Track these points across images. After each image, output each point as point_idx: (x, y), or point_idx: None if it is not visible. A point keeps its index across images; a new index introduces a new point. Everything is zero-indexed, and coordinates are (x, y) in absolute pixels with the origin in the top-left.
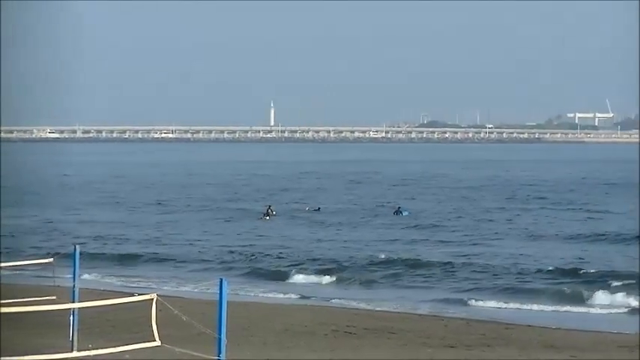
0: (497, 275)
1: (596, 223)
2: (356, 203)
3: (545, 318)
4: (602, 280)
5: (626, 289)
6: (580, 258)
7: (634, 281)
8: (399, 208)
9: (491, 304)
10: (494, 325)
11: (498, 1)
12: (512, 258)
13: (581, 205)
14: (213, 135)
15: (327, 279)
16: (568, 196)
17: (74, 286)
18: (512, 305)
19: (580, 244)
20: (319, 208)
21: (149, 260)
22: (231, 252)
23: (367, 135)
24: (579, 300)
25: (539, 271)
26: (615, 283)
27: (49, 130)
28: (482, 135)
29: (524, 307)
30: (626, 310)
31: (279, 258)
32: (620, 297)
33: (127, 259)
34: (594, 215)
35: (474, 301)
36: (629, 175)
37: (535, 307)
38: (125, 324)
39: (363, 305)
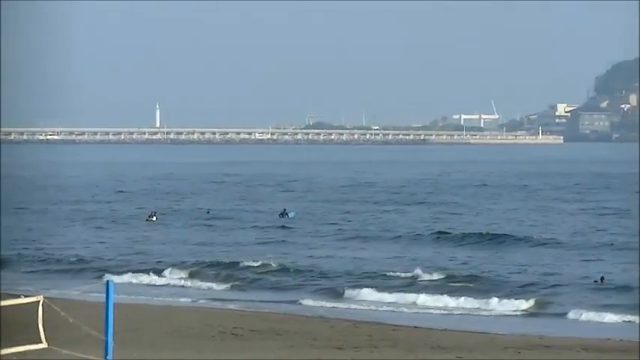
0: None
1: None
2: (244, 205)
3: (432, 319)
4: (489, 283)
5: (512, 293)
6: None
7: (519, 286)
8: (285, 210)
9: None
10: (380, 327)
11: (377, 1)
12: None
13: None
14: (98, 137)
15: (216, 282)
16: (419, 197)
17: None
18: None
19: (442, 245)
20: (208, 211)
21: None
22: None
23: (253, 137)
24: (466, 301)
25: (406, 271)
26: (505, 287)
27: None
28: (367, 137)
29: (412, 308)
30: (513, 312)
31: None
32: (508, 300)
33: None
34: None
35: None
36: (493, 177)
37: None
38: (11, 326)
39: (249, 307)
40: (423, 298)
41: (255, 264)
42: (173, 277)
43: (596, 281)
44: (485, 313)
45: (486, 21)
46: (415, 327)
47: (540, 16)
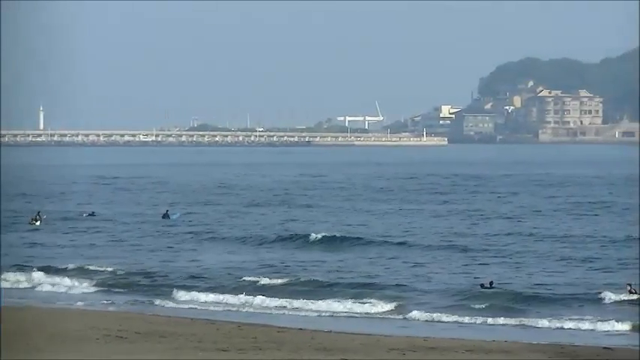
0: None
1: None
2: (128, 208)
3: (318, 321)
4: (372, 285)
5: (388, 296)
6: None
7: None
8: (167, 211)
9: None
10: (266, 329)
11: (264, 1)
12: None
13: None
14: None
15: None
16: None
17: None
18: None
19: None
20: (93, 213)
21: None
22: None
23: (137, 139)
24: (352, 304)
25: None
26: (381, 289)
27: None
28: (252, 138)
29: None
30: (398, 314)
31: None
32: (390, 302)
33: None
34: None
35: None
36: (360, 179)
37: (311, 311)
38: None
39: (134, 309)
40: (260, 299)
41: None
42: (57, 280)
43: (482, 284)
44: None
45: (370, 23)
46: (300, 329)
47: (424, 18)
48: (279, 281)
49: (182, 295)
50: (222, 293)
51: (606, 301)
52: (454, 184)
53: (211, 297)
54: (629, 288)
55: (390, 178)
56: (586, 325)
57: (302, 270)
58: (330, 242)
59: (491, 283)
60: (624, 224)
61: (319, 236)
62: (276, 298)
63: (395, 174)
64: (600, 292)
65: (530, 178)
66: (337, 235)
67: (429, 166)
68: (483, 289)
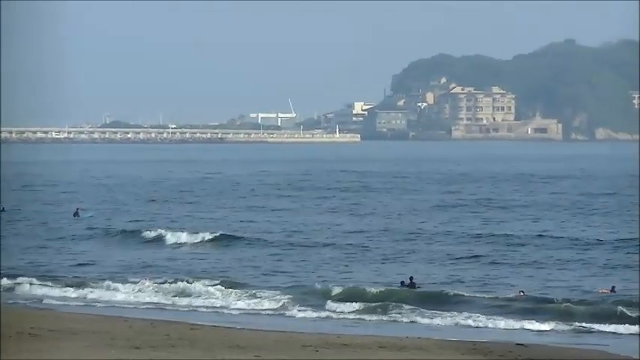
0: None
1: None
2: (38, 206)
3: (233, 319)
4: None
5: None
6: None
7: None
8: (78, 209)
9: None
10: (179, 326)
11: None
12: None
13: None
14: None
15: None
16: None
17: None
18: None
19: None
20: (4, 209)
21: None
22: None
23: (49, 135)
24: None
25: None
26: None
27: None
28: (165, 135)
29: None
30: (314, 313)
31: None
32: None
33: None
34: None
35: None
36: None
37: (227, 310)
38: None
39: (48, 306)
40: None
41: None
42: None
43: (403, 282)
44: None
45: (284, 22)
46: (214, 326)
47: (336, 16)
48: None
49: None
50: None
51: (518, 300)
52: (337, 181)
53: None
54: (520, 294)
55: (289, 174)
56: (502, 324)
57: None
58: (217, 241)
59: (411, 278)
60: (525, 222)
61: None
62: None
63: (290, 171)
64: (521, 292)
65: (423, 176)
66: (224, 234)
67: (331, 164)
68: (403, 287)
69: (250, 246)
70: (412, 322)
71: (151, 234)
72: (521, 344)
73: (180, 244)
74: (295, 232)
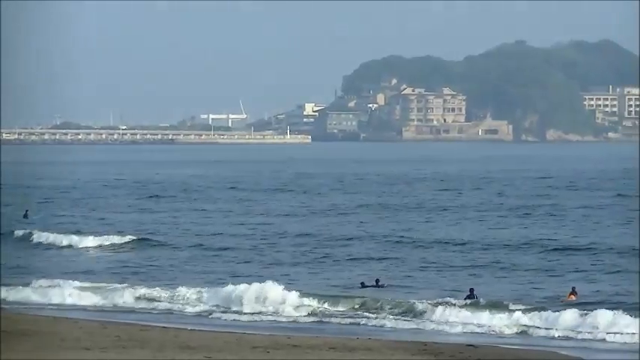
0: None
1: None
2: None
3: (181, 320)
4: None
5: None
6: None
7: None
8: (27, 211)
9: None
10: (129, 327)
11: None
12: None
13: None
14: None
15: None
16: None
17: None
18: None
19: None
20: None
21: None
22: None
23: None
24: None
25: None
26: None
27: None
28: (115, 136)
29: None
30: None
31: None
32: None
33: None
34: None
35: None
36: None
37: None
38: None
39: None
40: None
41: None
42: None
43: (363, 283)
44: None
45: (234, 22)
46: (164, 327)
47: (287, 17)
48: None
49: None
50: None
51: (470, 302)
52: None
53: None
54: (468, 294)
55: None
56: (452, 325)
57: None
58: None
59: (377, 281)
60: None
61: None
62: None
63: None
64: (472, 292)
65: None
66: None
67: (272, 165)
68: (364, 288)
69: (164, 248)
70: (361, 323)
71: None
72: (472, 345)
73: (95, 246)
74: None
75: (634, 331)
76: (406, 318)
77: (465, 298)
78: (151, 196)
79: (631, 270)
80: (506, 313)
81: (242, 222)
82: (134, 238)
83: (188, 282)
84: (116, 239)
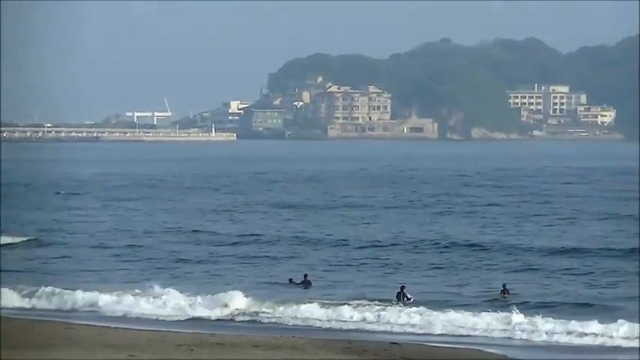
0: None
1: None
2: None
3: (104, 318)
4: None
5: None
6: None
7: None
8: None
9: None
10: (54, 325)
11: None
12: None
13: None
14: None
15: None
16: None
17: None
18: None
19: None
20: None
21: None
22: None
23: None
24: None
25: None
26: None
27: None
28: (40, 134)
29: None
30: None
31: None
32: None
33: None
34: None
35: None
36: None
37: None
38: None
39: None
40: None
41: None
42: None
43: (291, 279)
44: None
45: (159, 21)
46: (89, 325)
47: (212, 14)
48: None
49: None
50: None
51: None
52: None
53: None
54: (399, 291)
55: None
56: (381, 326)
57: None
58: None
59: (305, 276)
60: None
61: None
62: None
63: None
64: (403, 290)
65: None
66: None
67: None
68: (292, 284)
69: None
70: (287, 322)
71: None
72: (396, 343)
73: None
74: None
75: (554, 331)
76: (332, 316)
77: (396, 297)
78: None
79: (545, 268)
80: (434, 312)
81: (166, 220)
82: (29, 238)
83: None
84: (9, 239)
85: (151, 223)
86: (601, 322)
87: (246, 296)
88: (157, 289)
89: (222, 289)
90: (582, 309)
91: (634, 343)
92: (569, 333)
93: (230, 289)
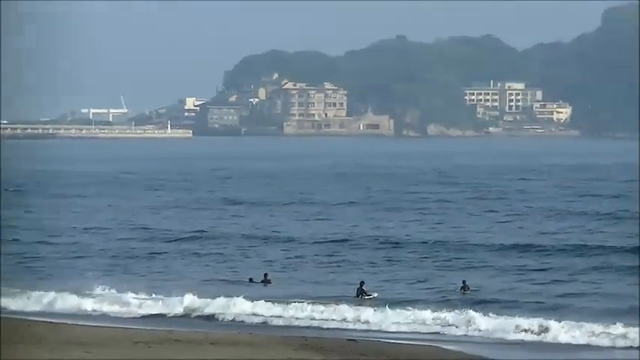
0: None
1: None
2: None
3: (62, 315)
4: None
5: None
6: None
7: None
8: None
9: None
10: (13, 323)
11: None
12: None
13: None
14: None
15: None
16: None
17: None
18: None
19: None
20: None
21: None
22: None
23: None
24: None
25: None
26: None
27: None
28: None
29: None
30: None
31: None
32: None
33: None
34: None
35: None
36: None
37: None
38: None
39: None
40: None
41: None
42: None
43: (251, 279)
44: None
45: (115, 20)
46: (45, 322)
47: (166, 11)
48: None
49: None
50: None
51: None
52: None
53: None
54: (361, 286)
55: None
56: (338, 324)
57: None
58: None
59: (265, 275)
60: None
61: None
62: None
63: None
64: (362, 286)
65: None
66: None
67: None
68: (252, 283)
69: None
70: (246, 320)
71: None
72: (353, 339)
73: None
74: None
75: (507, 328)
76: (290, 314)
77: (356, 293)
78: None
79: (501, 266)
80: (392, 309)
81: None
82: None
83: None
84: None
85: (100, 220)
86: (557, 319)
87: (194, 294)
88: (105, 287)
89: (175, 287)
90: (532, 306)
91: (582, 340)
92: (526, 331)
93: (183, 286)
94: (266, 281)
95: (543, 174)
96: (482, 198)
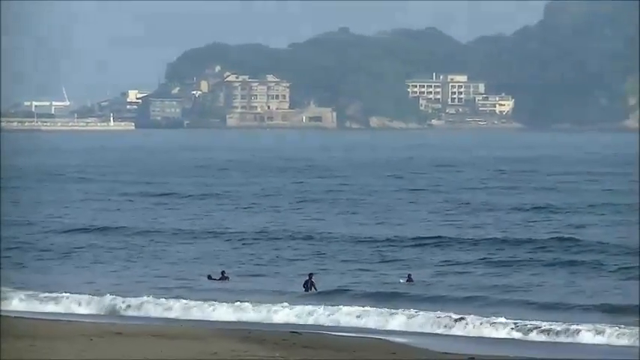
0: None
1: None
2: None
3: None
4: None
5: None
6: None
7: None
8: None
9: None
10: None
11: None
12: None
13: None
14: None
15: None
16: None
17: None
18: None
19: None
20: None
21: None
22: None
23: None
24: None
25: None
26: None
27: None
28: None
29: None
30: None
31: None
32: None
33: None
34: None
35: None
36: None
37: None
38: None
39: None
40: None
41: None
42: None
43: (210, 276)
44: None
45: (59, 8)
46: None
47: (109, 4)
48: None
49: None
50: None
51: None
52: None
53: None
54: (307, 279)
55: None
56: (283, 317)
57: None
58: None
59: (223, 272)
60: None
61: None
62: None
63: None
64: (310, 278)
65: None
66: None
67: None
68: (210, 280)
69: None
70: (195, 315)
71: None
72: (296, 332)
73: None
74: None
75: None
76: (240, 307)
77: (304, 286)
78: None
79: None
80: (336, 302)
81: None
82: None
83: None
84: None
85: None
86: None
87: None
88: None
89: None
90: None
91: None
92: (458, 320)
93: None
94: (223, 278)
95: (470, 166)
96: (421, 190)
